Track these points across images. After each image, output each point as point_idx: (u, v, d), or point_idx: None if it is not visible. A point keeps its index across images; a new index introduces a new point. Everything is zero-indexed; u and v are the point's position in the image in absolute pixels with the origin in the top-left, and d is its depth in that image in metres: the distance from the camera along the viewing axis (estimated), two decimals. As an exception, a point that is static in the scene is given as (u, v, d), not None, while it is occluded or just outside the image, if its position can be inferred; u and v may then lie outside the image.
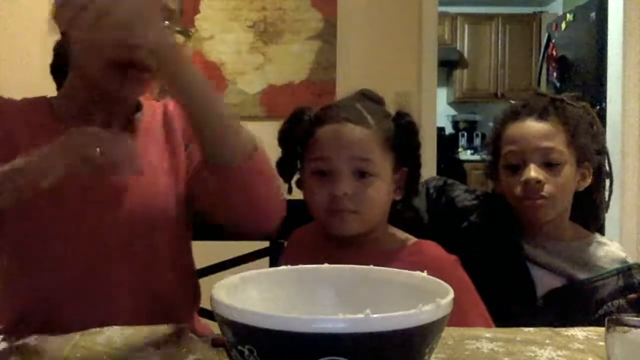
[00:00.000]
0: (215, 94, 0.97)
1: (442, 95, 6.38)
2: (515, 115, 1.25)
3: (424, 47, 2.92)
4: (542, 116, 1.21)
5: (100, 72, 1.00)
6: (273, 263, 1.35)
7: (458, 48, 6.29)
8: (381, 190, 1.04)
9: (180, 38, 1.03)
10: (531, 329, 0.91)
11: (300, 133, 1.08)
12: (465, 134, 6.53)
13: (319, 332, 0.50)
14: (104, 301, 1.01)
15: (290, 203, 1.25)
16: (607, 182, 1.30)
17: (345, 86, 2.87)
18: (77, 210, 1.01)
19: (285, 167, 1.11)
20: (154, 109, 1.18)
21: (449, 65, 6.26)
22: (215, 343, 0.81)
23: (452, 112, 6.71)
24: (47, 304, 1.01)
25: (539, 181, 1.17)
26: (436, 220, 1.31)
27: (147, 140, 1.12)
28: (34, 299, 1.02)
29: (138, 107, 1.15)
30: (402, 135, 1.07)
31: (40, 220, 0.99)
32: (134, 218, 1.04)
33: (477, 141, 6.50)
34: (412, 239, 1.11)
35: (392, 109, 1.12)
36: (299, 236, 1.19)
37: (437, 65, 3.00)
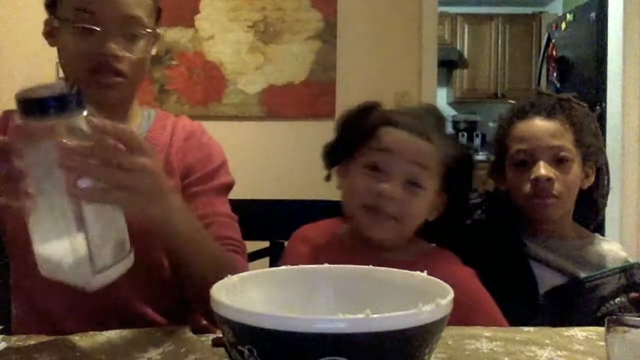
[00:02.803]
0: (200, 237, 0.95)
1: (442, 95, 6.38)
2: (522, 114, 1.25)
3: (424, 47, 2.93)
4: (549, 115, 1.22)
5: (79, 79, 1.02)
6: (273, 263, 1.35)
7: (458, 48, 6.29)
8: (424, 205, 1.05)
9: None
10: (531, 329, 0.91)
11: (364, 125, 1.08)
12: (465, 134, 6.53)
13: (319, 332, 0.50)
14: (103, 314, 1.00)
15: (291, 204, 1.25)
16: (606, 181, 1.31)
17: (345, 86, 2.88)
18: None
19: (334, 155, 1.12)
20: (165, 124, 1.17)
21: (449, 65, 6.26)
22: (215, 343, 0.81)
23: (452, 112, 6.70)
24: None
25: (549, 179, 1.17)
26: (437, 220, 1.31)
27: None
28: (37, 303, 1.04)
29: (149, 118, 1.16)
30: (458, 165, 1.08)
31: None
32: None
33: (477, 141, 6.50)
34: (429, 249, 1.11)
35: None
36: (309, 234, 1.16)
37: (437, 65, 3.00)
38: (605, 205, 1.33)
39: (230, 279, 0.66)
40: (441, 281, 0.64)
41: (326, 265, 0.75)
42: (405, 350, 0.53)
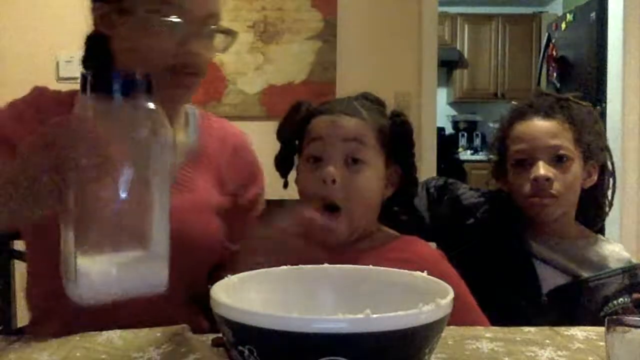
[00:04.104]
0: None
1: (442, 95, 6.38)
2: (522, 114, 1.26)
3: (424, 47, 2.92)
4: (548, 115, 1.23)
5: (155, 77, 0.97)
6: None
7: (458, 48, 6.29)
8: (371, 180, 1.04)
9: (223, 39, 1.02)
10: (531, 329, 0.91)
11: (296, 125, 1.10)
12: (465, 134, 6.53)
13: (319, 332, 0.50)
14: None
15: (291, 204, 1.25)
16: (610, 180, 1.31)
17: (345, 86, 2.87)
18: None
19: (282, 162, 1.13)
20: (210, 125, 1.14)
21: (449, 65, 6.26)
22: (215, 343, 0.81)
23: (452, 112, 6.71)
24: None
25: (548, 178, 1.18)
26: (438, 219, 1.32)
27: (194, 164, 1.08)
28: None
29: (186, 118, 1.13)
30: (397, 133, 1.08)
31: None
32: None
33: (477, 141, 6.50)
34: (397, 236, 1.10)
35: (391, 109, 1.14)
36: None
37: (437, 65, 3.00)
38: (610, 205, 1.33)
39: (230, 279, 0.66)
40: (441, 281, 0.64)
41: (326, 265, 0.75)
42: (405, 350, 0.53)
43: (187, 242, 0.97)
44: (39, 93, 1.05)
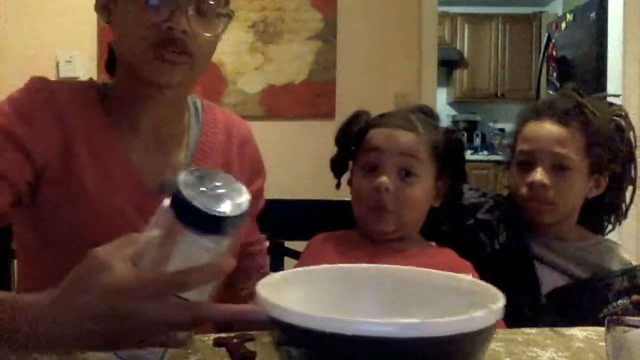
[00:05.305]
0: None
1: (442, 95, 6.38)
2: (537, 114, 1.23)
3: (424, 47, 2.93)
4: (562, 120, 1.19)
5: (140, 55, 0.93)
6: (273, 261, 1.35)
7: (458, 48, 6.29)
8: (421, 193, 1.10)
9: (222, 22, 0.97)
10: (533, 330, 0.91)
11: (355, 133, 1.15)
12: (465, 134, 6.53)
13: (368, 335, 0.49)
14: None
15: (290, 203, 1.26)
16: (617, 191, 1.27)
17: (345, 86, 2.88)
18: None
19: (338, 165, 1.20)
20: (215, 119, 1.10)
21: (449, 65, 6.26)
22: (217, 343, 0.81)
23: (452, 112, 6.71)
24: None
25: (543, 185, 1.17)
26: (438, 219, 1.31)
27: (202, 161, 1.05)
28: None
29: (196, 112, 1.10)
30: (449, 149, 1.14)
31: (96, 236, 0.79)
32: None
33: (477, 141, 6.50)
34: (431, 243, 1.16)
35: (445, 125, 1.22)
36: (323, 240, 1.18)
37: (437, 65, 3.00)
38: (625, 215, 1.30)
39: (273, 277, 0.63)
40: (489, 285, 0.62)
41: (371, 265, 0.71)
42: (455, 357, 0.52)
43: None
44: (48, 89, 1.01)
